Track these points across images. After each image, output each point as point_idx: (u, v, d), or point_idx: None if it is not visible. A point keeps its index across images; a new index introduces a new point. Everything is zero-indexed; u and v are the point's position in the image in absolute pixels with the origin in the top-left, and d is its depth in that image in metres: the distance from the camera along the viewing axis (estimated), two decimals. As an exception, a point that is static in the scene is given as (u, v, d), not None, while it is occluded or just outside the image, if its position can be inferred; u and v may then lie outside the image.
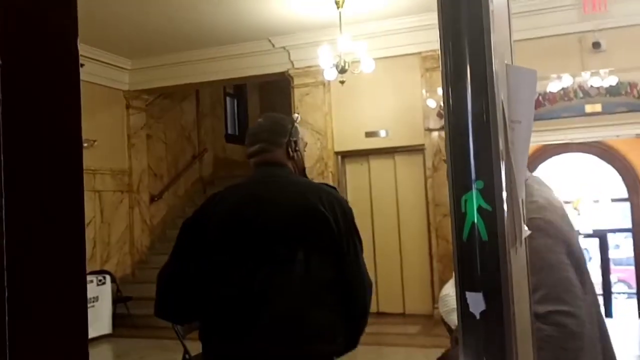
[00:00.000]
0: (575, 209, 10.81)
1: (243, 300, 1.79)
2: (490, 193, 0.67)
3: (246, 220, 1.88)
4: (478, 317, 0.66)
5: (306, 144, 2.29)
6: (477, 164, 0.68)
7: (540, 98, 7.23)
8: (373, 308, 7.85)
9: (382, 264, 7.94)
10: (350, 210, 1.98)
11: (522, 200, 1.19)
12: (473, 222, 0.66)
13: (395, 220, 7.89)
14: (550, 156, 11.60)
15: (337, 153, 8.11)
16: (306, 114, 8.12)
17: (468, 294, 0.67)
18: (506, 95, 0.95)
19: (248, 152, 2.06)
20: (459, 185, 0.68)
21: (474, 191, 0.67)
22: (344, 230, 1.89)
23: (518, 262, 0.99)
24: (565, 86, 7.11)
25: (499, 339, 0.66)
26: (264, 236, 1.85)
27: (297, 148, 2.11)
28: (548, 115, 7.21)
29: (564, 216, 1.60)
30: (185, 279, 1.87)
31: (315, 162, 8.03)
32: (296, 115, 2.30)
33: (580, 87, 7.03)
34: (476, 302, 0.66)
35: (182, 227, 1.95)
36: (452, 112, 0.69)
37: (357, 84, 7.26)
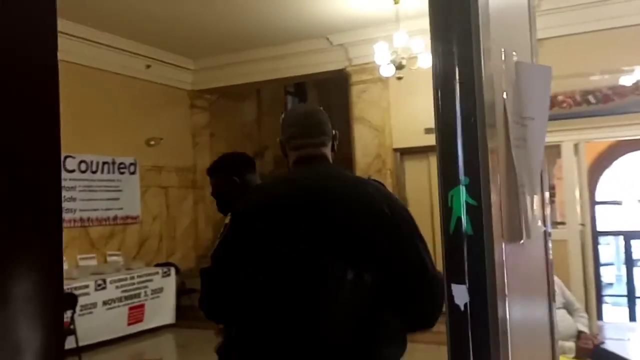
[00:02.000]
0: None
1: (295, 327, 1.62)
2: (475, 189, 0.70)
3: (306, 222, 1.66)
4: (462, 308, 0.68)
5: None
6: (464, 161, 0.70)
7: (610, 92, 6.92)
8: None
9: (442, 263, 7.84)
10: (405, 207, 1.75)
11: (542, 196, 1.19)
12: (459, 217, 0.69)
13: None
14: (625, 153, 11.06)
15: (395, 150, 8.06)
16: (364, 110, 8.13)
17: (454, 286, 0.69)
18: (513, 93, 0.96)
19: (302, 143, 1.83)
20: (447, 181, 0.70)
21: (461, 187, 0.69)
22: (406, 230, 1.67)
23: (526, 257, 1.00)
24: (637, 79, 6.77)
25: (483, 331, 0.68)
26: (329, 244, 1.63)
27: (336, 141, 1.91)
28: (619, 110, 6.89)
29: None
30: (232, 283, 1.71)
31: (373, 159, 8.03)
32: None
33: (652, 80, 6.69)
34: (461, 294, 0.68)
35: (236, 220, 1.77)
36: (441, 112, 0.71)
37: (416, 80, 7.19)
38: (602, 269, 10.87)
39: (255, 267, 1.66)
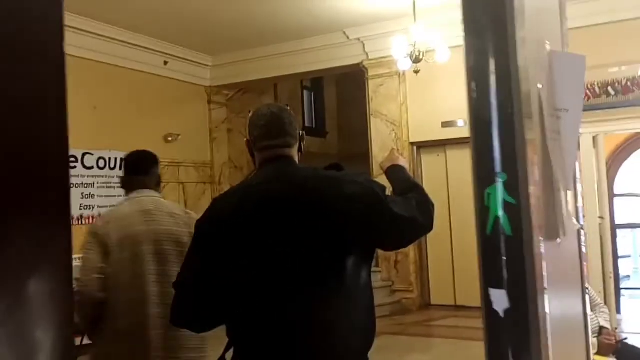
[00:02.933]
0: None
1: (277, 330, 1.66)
2: (514, 186, 0.66)
3: (278, 225, 1.68)
4: (502, 315, 0.65)
5: None
6: (501, 157, 0.67)
7: (629, 84, 6.80)
8: (450, 301, 7.75)
9: (460, 257, 7.79)
10: (368, 186, 1.74)
11: (575, 191, 1.15)
12: (497, 217, 0.66)
13: (473, 212, 7.70)
14: (637, 149, 10.87)
15: (412, 144, 8.01)
16: (381, 104, 8.08)
17: (492, 291, 0.66)
18: (549, 83, 0.93)
19: (268, 144, 1.82)
20: (483, 178, 0.67)
21: (498, 184, 0.66)
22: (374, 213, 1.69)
23: (563, 257, 0.96)
24: (652, 73, 6.65)
25: (523, 339, 0.64)
26: (300, 246, 1.66)
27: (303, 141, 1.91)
28: (639, 102, 6.76)
29: None
30: (208, 290, 1.71)
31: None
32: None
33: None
34: (500, 300, 0.65)
35: (201, 230, 1.79)
36: (476, 105, 0.69)
37: (433, 74, 7.13)
38: (620, 262, 10.72)
39: (231, 276, 1.68)
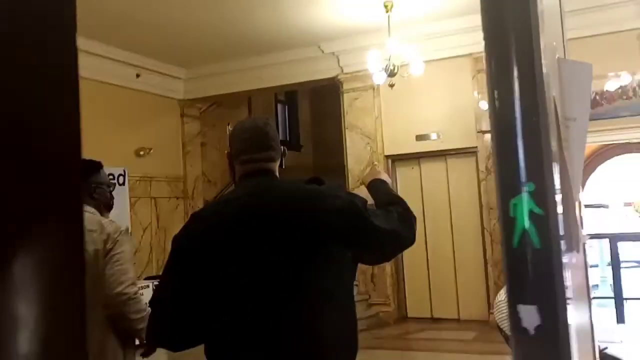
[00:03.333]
0: (636, 211, 10.35)
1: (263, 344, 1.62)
2: (542, 196, 0.64)
3: (259, 240, 1.65)
4: (533, 332, 0.62)
5: None
6: (527, 165, 0.65)
7: (598, 97, 6.97)
8: (427, 314, 7.77)
9: (436, 269, 7.82)
10: (349, 200, 1.73)
11: (579, 202, 1.15)
12: (524, 228, 0.64)
13: (448, 224, 7.77)
14: (610, 157, 11.17)
15: (387, 157, 8.05)
16: (356, 118, 8.11)
17: (520, 307, 0.63)
18: (558, 92, 0.92)
19: (251, 158, 1.79)
20: (508, 188, 0.65)
21: (524, 194, 0.64)
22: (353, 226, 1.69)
23: (575, 268, 0.95)
24: (623, 84, 6.83)
25: (557, 356, 0.62)
26: (282, 258, 1.64)
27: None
28: (606, 115, 6.94)
29: None
30: (186, 307, 1.67)
31: (366, 166, 7.99)
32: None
33: (640, 84, 6.74)
34: (530, 316, 0.62)
35: (179, 245, 1.74)
36: (498, 113, 0.67)
37: (407, 87, 7.20)
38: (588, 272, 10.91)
39: (211, 292, 1.64)
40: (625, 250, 12.20)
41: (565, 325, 0.64)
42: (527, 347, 0.64)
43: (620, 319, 10.22)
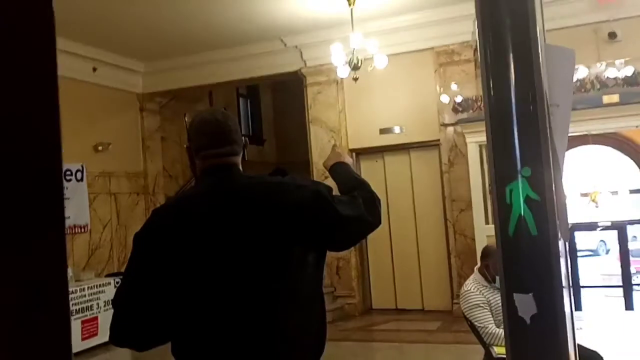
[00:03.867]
0: (593, 201, 10.67)
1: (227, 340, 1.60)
2: (539, 181, 0.63)
3: (223, 235, 1.62)
4: (529, 321, 0.61)
5: None
6: (522, 150, 0.64)
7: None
8: (392, 305, 7.83)
9: (400, 261, 7.89)
10: (313, 187, 1.71)
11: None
12: (520, 215, 0.62)
13: (412, 216, 7.84)
14: (568, 149, 11.47)
15: (351, 150, 8.06)
16: (320, 112, 8.09)
17: (516, 296, 0.62)
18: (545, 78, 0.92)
19: (214, 153, 1.75)
20: (503, 174, 0.64)
21: (520, 180, 0.63)
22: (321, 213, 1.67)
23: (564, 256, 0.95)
24: (581, 77, 7.01)
25: (554, 345, 0.61)
26: (247, 252, 1.61)
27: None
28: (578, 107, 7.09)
29: None
30: (148, 304, 1.63)
31: (330, 160, 7.99)
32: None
33: (597, 78, 6.93)
34: (526, 305, 0.61)
35: (140, 243, 1.68)
36: (494, 101, 0.65)
37: (371, 81, 7.22)
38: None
39: (175, 288, 1.61)
40: (581, 239, 12.60)
41: (563, 313, 0.63)
42: (523, 336, 0.63)
43: (577, 306, 10.55)
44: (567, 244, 1.13)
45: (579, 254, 12.49)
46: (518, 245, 0.64)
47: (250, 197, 1.69)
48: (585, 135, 8.58)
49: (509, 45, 0.65)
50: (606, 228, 11.20)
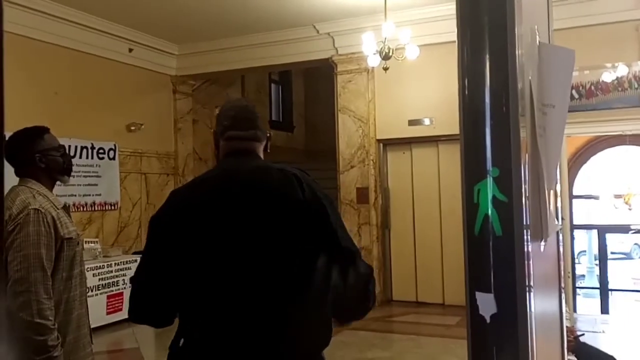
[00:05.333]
0: (626, 203, 10.41)
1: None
2: (506, 182, 0.63)
3: (235, 218, 1.65)
4: (488, 320, 0.61)
5: None
6: (493, 150, 0.64)
7: (593, 88, 6.96)
8: (412, 297, 7.82)
9: (422, 254, 7.86)
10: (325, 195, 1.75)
11: (555, 191, 1.13)
12: (486, 214, 0.62)
13: (437, 210, 7.78)
14: (603, 148, 11.19)
15: (379, 141, 8.03)
16: (349, 101, 8.07)
17: (478, 295, 0.62)
18: (537, 77, 0.90)
19: (237, 135, 1.78)
20: (473, 173, 0.64)
21: (489, 179, 0.63)
22: (334, 219, 1.70)
23: (545, 257, 0.94)
24: (619, 76, 6.81)
25: (512, 346, 0.61)
26: (263, 241, 1.64)
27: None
28: (601, 106, 6.93)
29: None
30: (165, 287, 1.68)
31: (357, 150, 7.98)
32: None
33: (635, 76, 6.73)
34: (487, 304, 0.61)
35: (156, 223, 1.72)
36: (468, 100, 0.65)
37: (401, 71, 7.16)
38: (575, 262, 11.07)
39: (190, 267, 1.64)
40: (613, 242, 12.33)
41: (524, 314, 0.63)
42: (482, 335, 0.63)
43: (604, 309, 10.35)
44: (558, 244, 1.12)
45: (611, 256, 12.23)
46: (482, 244, 0.64)
47: (265, 182, 1.70)
48: (622, 135, 8.36)
49: (486, 45, 0.65)
50: (639, 232, 10.92)
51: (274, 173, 1.75)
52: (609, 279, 11.25)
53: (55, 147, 2.46)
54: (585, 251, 13.87)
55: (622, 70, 6.80)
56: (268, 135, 1.85)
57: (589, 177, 11.64)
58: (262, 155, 1.83)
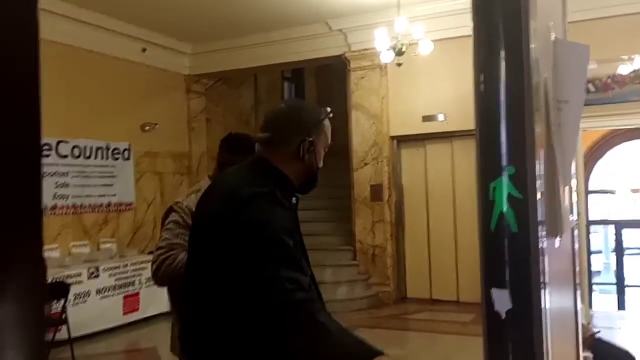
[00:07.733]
0: (644, 197, 10.27)
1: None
2: (522, 179, 0.62)
3: (198, 227, 1.81)
4: (504, 316, 0.61)
5: (329, 143, 1.83)
6: (508, 149, 0.63)
7: (610, 80, 6.86)
8: (426, 295, 7.79)
9: (436, 251, 7.82)
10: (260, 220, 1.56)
11: (570, 187, 1.12)
12: (502, 212, 0.62)
13: (451, 207, 7.74)
14: (620, 142, 11.05)
15: (392, 137, 8.00)
16: (362, 97, 8.05)
17: (494, 291, 0.62)
18: (552, 73, 0.89)
19: (256, 136, 1.76)
20: (488, 171, 0.63)
21: (504, 177, 0.62)
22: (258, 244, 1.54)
23: (560, 253, 0.93)
24: (637, 68, 6.72)
25: (527, 341, 0.61)
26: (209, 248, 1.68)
27: (312, 149, 1.71)
28: (617, 99, 6.84)
29: None
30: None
31: (371, 147, 7.96)
32: (328, 109, 1.84)
33: (656, 69, 6.63)
34: (502, 300, 0.61)
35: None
36: (483, 97, 0.64)
37: (415, 67, 7.13)
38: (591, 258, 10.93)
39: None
40: (630, 237, 12.18)
41: (539, 310, 0.63)
42: (498, 331, 0.63)
43: (621, 305, 10.23)
44: (573, 240, 1.11)
45: (627, 252, 12.08)
46: (498, 241, 0.63)
47: (217, 194, 1.71)
48: (638, 129, 8.26)
49: (501, 43, 0.64)
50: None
51: (228, 183, 1.74)
52: (626, 274, 11.11)
53: None
54: (601, 250, 13.71)
55: (638, 63, 6.70)
56: (302, 139, 1.70)
57: (605, 171, 11.51)
58: (272, 159, 1.70)
